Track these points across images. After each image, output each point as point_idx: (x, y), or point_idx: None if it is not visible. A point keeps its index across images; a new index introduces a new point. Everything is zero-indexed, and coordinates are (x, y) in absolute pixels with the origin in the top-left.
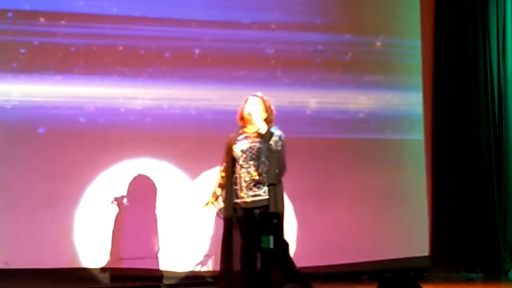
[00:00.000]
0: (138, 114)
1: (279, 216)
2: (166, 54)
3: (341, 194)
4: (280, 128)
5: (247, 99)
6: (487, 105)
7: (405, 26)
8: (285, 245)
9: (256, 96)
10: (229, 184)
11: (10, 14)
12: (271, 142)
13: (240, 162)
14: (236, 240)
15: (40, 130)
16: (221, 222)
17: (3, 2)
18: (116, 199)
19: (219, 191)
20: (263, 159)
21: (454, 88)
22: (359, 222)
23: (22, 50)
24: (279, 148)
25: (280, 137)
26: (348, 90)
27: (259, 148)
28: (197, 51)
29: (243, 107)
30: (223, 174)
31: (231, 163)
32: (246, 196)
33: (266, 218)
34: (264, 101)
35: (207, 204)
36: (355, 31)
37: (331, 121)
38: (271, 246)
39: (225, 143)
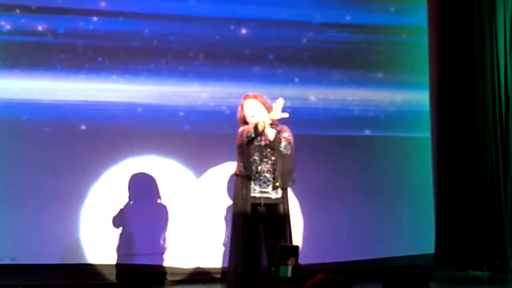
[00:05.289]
0: (144, 112)
1: (298, 248)
2: (171, 52)
3: (347, 192)
4: (289, 128)
5: (242, 104)
6: (493, 103)
7: (412, 24)
8: (301, 272)
9: (249, 98)
10: (247, 177)
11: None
12: (281, 147)
13: (254, 157)
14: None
15: (46, 128)
16: (228, 219)
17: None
18: (122, 196)
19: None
20: (274, 159)
21: (460, 86)
22: (365, 219)
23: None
24: (289, 152)
25: (289, 142)
26: (354, 87)
27: (270, 149)
28: (202, 48)
29: (243, 113)
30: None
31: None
32: (256, 192)
33: (286, 252)
34: (260, 100)
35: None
36: (362, 29)
37: (337, 119)
38: (289, 275)
39: (240, 135)
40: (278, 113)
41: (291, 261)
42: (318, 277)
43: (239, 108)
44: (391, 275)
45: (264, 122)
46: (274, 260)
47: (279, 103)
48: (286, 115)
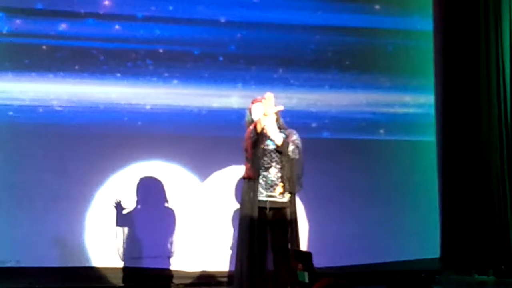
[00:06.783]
0: (149, 115)
1: (311, 255)
2: (174, 54)
3: (353, 196)
4: (296, 132)
5: (250, 108)
6: (499, 106)
7: (417, 28)
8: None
9: (258, 102)
10: (254, 180)
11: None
12: (289, 151)
13: (262, 161)
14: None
15: (51, 131)
16: (235, 222)
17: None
18: (126, 199)
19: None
20: (282, 163)
21: (465, 90)
22: (370, 223)
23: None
24: (297, 156)
25: (297, 146)
26: (359, 91)
27: (278, 154)
28: (206, 51)
29: (251, 117)
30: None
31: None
32: (263, 196)
33: (300, 257)
34: None
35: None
36: (366, 32)
37: (342, 123)
38: (307, 280)
39: (246, 139)
40: (270, 108)
41: (301, 266)
42: (322, 282)
43: (247, 112)
44: (396, 279)
45: (260, 121)
46: (282, 263)
47: (269, 98)
48: (280, 107)
